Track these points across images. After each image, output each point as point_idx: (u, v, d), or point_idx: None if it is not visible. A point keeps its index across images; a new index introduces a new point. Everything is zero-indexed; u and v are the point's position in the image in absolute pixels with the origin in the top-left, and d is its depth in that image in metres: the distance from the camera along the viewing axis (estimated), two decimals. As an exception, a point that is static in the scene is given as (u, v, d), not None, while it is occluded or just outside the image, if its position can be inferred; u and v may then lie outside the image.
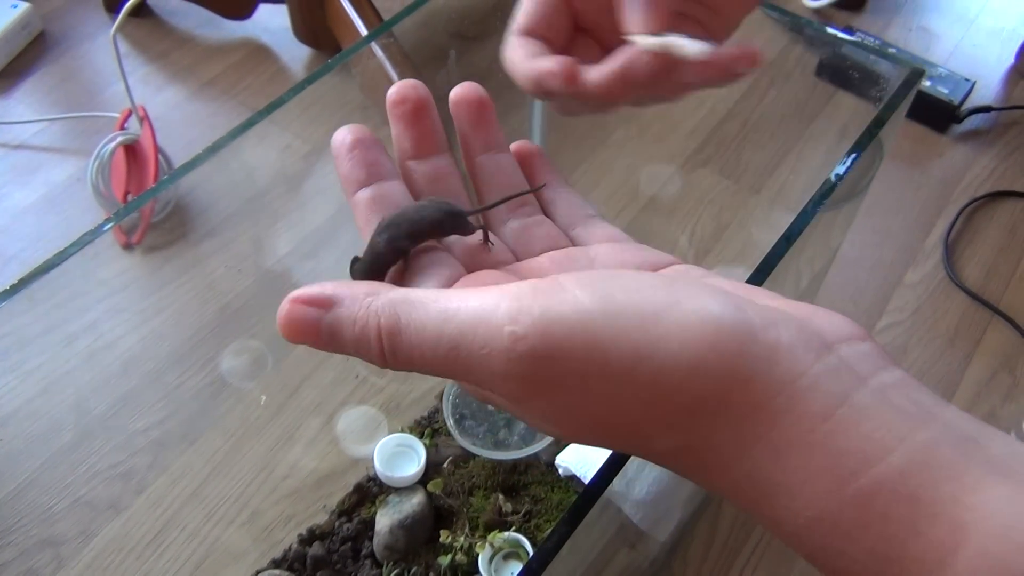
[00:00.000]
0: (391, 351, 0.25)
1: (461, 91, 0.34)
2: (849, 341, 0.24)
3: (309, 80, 0.40)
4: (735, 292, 0.25)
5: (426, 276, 0.30)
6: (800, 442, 0.22)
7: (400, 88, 0.32)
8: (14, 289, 0.33)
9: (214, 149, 0.38)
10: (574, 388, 0.23)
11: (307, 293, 0.25)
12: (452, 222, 0.30)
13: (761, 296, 0.26)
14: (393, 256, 0.30)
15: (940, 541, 0.20)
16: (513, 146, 0.35)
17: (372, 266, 0.30)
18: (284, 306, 0.26)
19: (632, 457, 0.34)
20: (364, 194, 0.31)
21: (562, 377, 0.23)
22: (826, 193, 0.41)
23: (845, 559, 0.22)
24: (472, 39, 0.67)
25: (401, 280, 0.31)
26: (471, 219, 0.31)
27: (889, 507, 0.21)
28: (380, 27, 0.47)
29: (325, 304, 0.25)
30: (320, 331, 0.25)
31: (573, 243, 0.33)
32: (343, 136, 0.31)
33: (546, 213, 0.35)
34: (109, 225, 0.37)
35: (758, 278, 0.38)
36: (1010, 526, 0.20)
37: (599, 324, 0.22)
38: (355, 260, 0.31)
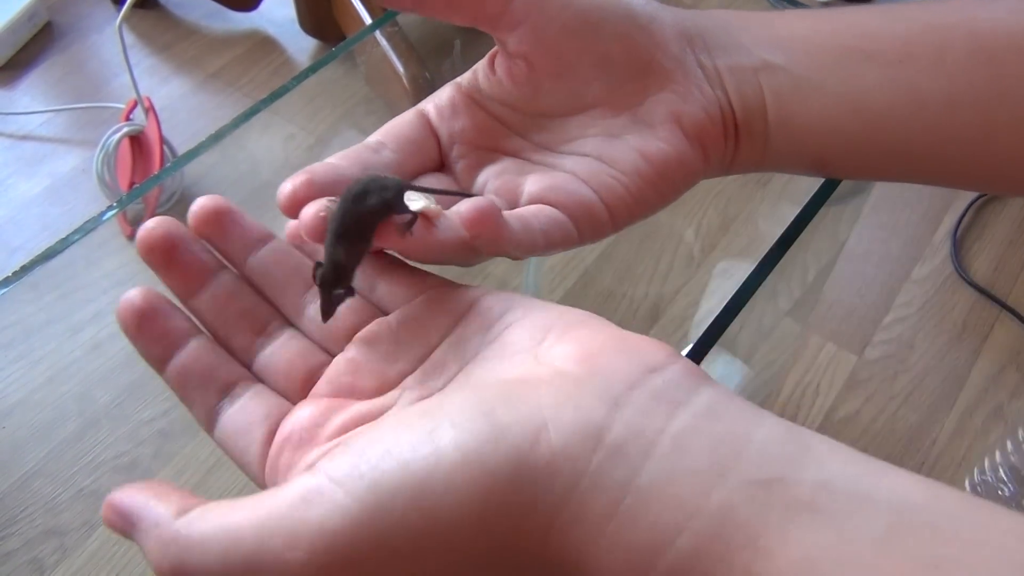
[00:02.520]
0: None
1: (195, 209, 0.31)
2: (640, 384, 0.23)
3: (312, 68, 0.40)
4: (536, 351, 0.25)
5: (247, 430, 0.29)
6: (593, 547, 0.22)
7: (143, 236, 0.30)
8: (16, 276, 0.33)
9: (217, 137, 0.38)
10: None
11: (115, 501, 0.25)
12: (398, 203, 0.29)
13: (563, 337, 0.26)
14: (355, 259, 0.29)
15: None
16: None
17: (338, 276, 0.29)
18: (103, 507, 0.25)
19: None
20: (172, 369, 0.29)
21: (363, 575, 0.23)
22: (831, 187, 0.40)
23: None
24: (478, 32, 0.67)
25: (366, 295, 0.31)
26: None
27: None
28: (384, 16, 0.47)
29: (126, 522, 0.25)
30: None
31: (381, 308, 0.31)
32: (127, 311, 0.29)
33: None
34: (112, 212, 0.36)
35: (762, 272, 0.38)
36: None
37: (374, 520, 0.22)
38: (317, 265, 0.29)
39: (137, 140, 0.88)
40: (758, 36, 0.35)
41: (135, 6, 0.96)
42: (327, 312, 0.29)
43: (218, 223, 0.31)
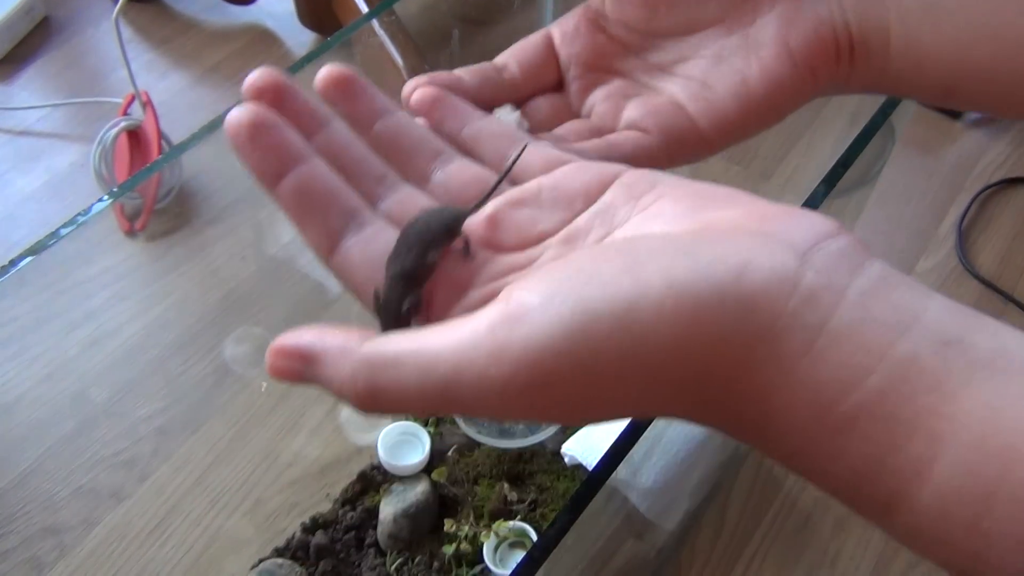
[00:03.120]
0: (374, 406, 0.25)
1: (323, 74, 0.31)
2: (820, 244, 0.24)
3: (308, 58, 0.40)
4: (699, 216, 0.26)
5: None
6: (782, 384, 0.22)
7: (253, 82, 0.29)
8: (3, 270, 0.32)
9: (211, 128, 0.37)
10: (572, 399, 0.23)
11: (287, 346, 0.25)
12: (455, 229, 0.28)
13: (723, 204, 0.26)
14: (409, 290, 0.28)
15: (918, 455, 0.21)
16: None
17: (395, 307, 0.28)
18: (269, 357, 0.25)
19: (637, 444, 0.34)
20: (287, 184, 0.28)
21: (559, 395, 0.23)
22: (835, 178, 0.40)
23: (829, 477, 0.23)
24: (476, 22, 0.66)
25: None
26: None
27: (868, 430, 0.22)
28: (381, 5, 0.46)
29: (304, 360, 0.25)
30: (305, 380, 0.25)
31: (513, 179, 0.32)
32: (241, 119, 0.28)
33: (468, 151, 0.33)
34: (104, 203, 0.36)
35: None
36: (985, 433, 0.21)
37: (579, 340, 0.22)
38: (376, 296, 0.28)
39: (135, 135, 0.87)
40: None
41: (132, 0, 0.96)
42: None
43: (345, 89, 0.31)
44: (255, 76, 0.29)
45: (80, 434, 0.66)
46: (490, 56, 0.38)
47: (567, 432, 0.67)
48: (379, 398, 0.24)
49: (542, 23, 0.72)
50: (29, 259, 0.35)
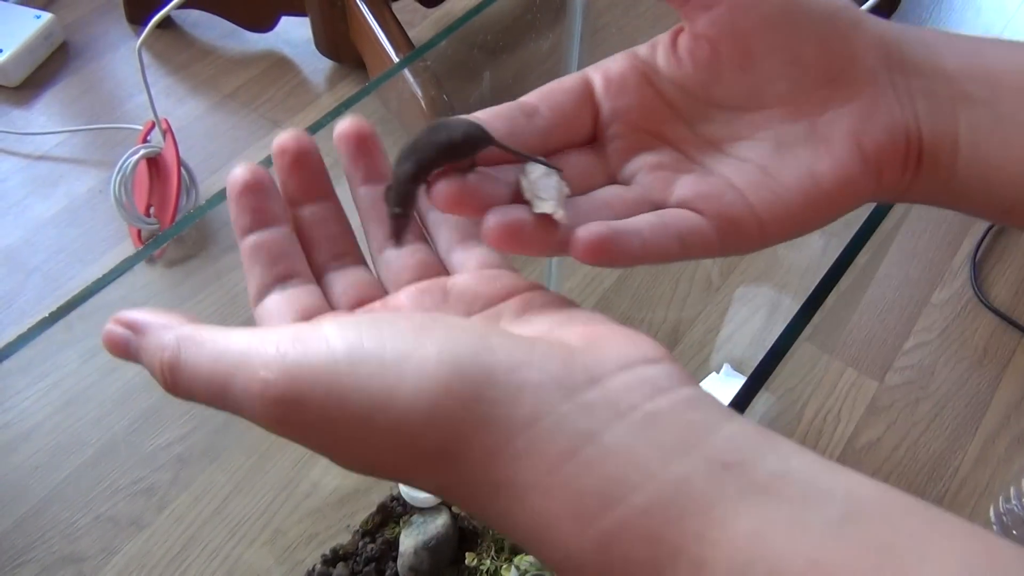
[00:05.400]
0: (172, 384, 0.26)
1: (341, 127, 0.33)
2: (631, 367, 0.24)
3: (346, 105, 0.40)
4: (550, 319, 0.27)
5: (282, 312, 0.31)
6: (539, 485, 0.22)
7: (280, 140, 0.32)
8: (53, 318, 0.33)
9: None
10: (324, 432, 0.24)
11: (126, 316, 0.27)
12: (468, 144, 0.29)
13: (577, 323, 0.27)
14: (416, 183, 0.30)
15: None
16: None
17: (401, 195, 0.30)
18: (107, 325, 0.27)
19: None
20: (249, 240, 0.31)
21: (311, 421, 0.23)
22: (872, 227, 0.40)
23: None
24: (499, 51, 0.67)
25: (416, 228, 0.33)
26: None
27: (631, 549, 0.21)
28: (413, 53, 0.47)
29: (134, 329, 0.27)
30: (128, 352, 0.27)
31: (448, 270, 0.33)
32: (236, 178, 0.31)
33: (430, 233, 0.34)
34: (148, 252, 0.36)
35: (806, 315, 0.37)
36: (750, 560, 0.20)
37: (342, 373, 0.23)
38: (388, 188, 0.31)
39: (154, 162, 0.88)
40: (962, 63, 0.33)
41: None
42: (394, 234, 0.31)
43: (357, 145, 0.33)
44: (283, 138, 0.32)
45: (99, 462, 0.66)
46: (517, 87, 0.37)
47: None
48: (177, 375, 0.26)
49: (570, 49, 0.73)
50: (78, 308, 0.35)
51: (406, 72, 0.76)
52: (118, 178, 0.85)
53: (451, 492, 0.24)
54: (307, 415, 0.23)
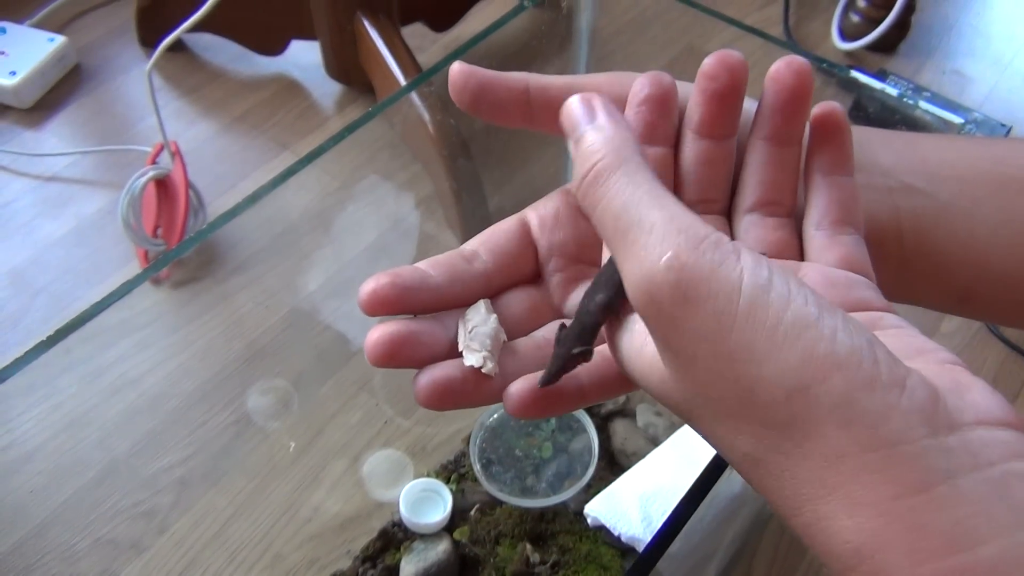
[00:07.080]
0: (584, 190, 0.26)
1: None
2: (989, 425, 0.23)
3: (350, 129, 0.40)
4: (905, 344, 0.25)
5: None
6: (879, 506, 0.21)
7: (713, 64, 0.31)
8: (51, 341, 0.33)
9: (254, 199, 0.37)
10: (689, 337, 0.23)
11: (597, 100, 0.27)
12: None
13: (928, 356, 0.25)
14: (602, 318, 0.28)
15: None
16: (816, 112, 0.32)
17: (582, 334, 0.28)
18: (573, 99, 0.27)
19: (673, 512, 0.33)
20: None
21: (682, 326, 0.23)
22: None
23: None
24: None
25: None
26: None
27: None
28: (419, 77, 0.47)
29: (592, 111, 0.27)
30: (575, 131, 0.27)
31: (804, 251, 0.31)
32: (641, 85, 0.31)
33: (809, 197, 0.32)
34: (149, 274, 0.36)
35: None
36: None
37: (739, 308, 0.22)
38: (561, 327, 0.29)
39: (163, 184, 0.88)
40: (898, 157, 0.33)
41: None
42: (553, 374, 0.29)
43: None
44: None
45: (100, 484, 0.66)
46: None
47: (590, 492, 0.66)
48: (595, 189, 0.25)
49: (576, 69, 0.73)
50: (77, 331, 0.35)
51: (413, 96, 0.76)
52: (126, 200, 0.85)
53: (767, 466, 0.23)
54: (687, 320, 0.23)
